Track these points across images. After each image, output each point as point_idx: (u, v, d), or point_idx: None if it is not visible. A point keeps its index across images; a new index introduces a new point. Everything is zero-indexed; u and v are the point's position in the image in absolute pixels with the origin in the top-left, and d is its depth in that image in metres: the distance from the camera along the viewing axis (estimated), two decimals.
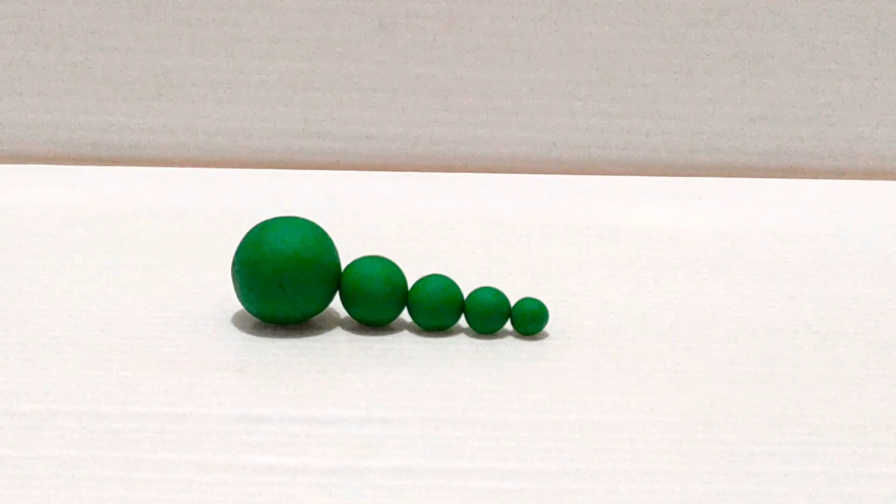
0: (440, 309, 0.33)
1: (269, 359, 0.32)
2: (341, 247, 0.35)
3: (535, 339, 0.34)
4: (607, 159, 0.49)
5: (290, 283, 0.32)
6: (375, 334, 0.34)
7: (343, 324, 0.34)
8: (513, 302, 0.34)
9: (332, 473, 0.27)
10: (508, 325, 0.34)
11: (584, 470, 0.28)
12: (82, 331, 0.34)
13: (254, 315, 0.34)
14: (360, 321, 0.34)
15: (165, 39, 0.48)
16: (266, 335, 0.34)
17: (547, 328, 0.34)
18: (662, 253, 0.41)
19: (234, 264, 0.33)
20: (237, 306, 0.35)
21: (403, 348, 0.33)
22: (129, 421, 0.29)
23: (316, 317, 0.34)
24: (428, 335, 0.34)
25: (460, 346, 0.33)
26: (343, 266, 0.34)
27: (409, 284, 0.34)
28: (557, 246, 0.41)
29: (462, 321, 0.34)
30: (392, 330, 0.34)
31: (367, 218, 0.44)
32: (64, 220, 0.43)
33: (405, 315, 0.34)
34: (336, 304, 0.35)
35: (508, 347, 0.33)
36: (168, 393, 0.31)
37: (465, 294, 0.34)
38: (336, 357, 0.33)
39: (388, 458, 0.28)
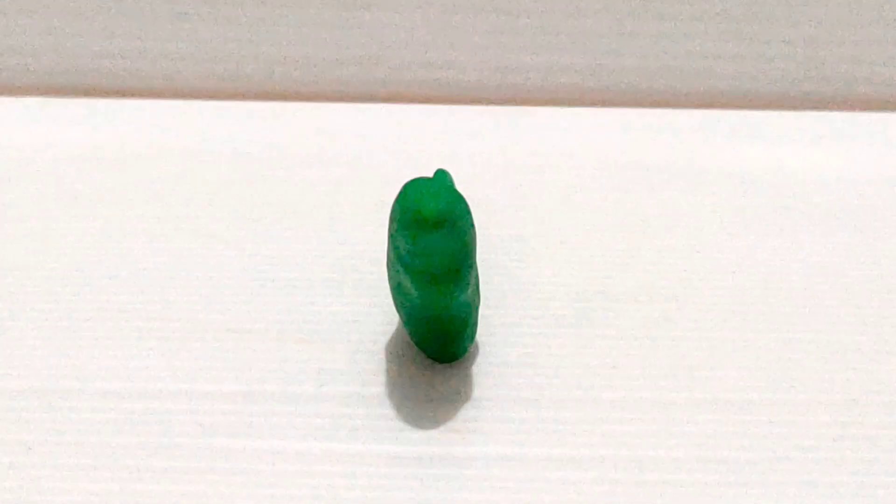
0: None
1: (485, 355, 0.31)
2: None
3: (651, 305, 0.32)
4: (717, 90, 0.45)
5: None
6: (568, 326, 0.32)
7: None
8: None
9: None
10: None
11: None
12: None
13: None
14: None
15: None
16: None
17: (668, 295, 0.32)
18: (779, 200, 0.36)
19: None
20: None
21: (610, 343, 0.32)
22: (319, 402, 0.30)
23: None
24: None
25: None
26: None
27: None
28: (667, 192, 0.37)
29: None
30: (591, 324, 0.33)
31: (443, 155, 0.39)
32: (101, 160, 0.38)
33: None
34: None
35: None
36: (360, 374, 0.31)
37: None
38: (551, 354, 0.31)
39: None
